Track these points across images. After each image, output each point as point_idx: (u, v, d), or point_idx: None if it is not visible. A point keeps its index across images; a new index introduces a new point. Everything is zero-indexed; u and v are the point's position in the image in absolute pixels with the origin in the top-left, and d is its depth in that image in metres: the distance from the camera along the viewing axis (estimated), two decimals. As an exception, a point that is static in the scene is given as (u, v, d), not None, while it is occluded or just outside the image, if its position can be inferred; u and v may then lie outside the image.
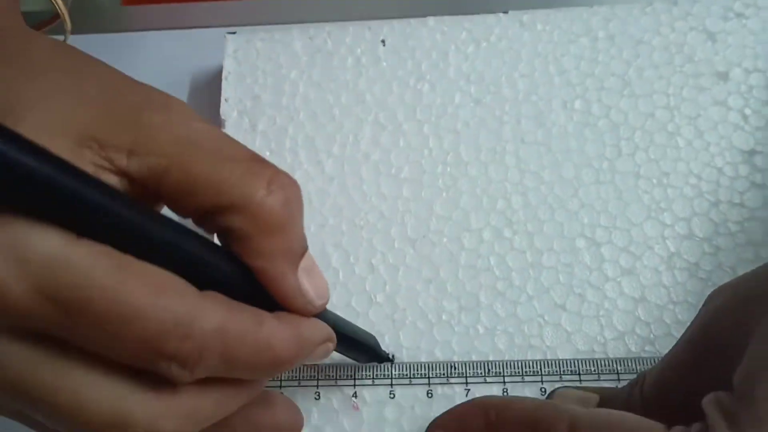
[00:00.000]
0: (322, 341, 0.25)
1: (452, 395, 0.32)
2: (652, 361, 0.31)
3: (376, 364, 0.32)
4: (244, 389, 0.23)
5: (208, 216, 0.22)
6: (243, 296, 0.22)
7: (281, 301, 0.23)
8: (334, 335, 0.26)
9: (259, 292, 0.22)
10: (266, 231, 0.22)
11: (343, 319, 0.29)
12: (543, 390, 0.31)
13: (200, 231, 0.22)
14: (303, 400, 0.32)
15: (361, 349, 0.31)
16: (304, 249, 0.23)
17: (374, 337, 0.32)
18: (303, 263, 0.23)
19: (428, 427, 0.29)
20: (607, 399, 0.29)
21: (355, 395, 0.32)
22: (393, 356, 0.33)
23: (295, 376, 0.32)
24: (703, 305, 0.26)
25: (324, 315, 0.25)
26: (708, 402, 0.22)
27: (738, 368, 0.22)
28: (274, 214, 0.22)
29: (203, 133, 0.22)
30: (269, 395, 0.27)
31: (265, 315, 0.22)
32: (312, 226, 0.36)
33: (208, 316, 0.20)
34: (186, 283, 0.20)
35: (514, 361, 0.32)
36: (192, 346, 0.20)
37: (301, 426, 0.29)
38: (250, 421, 0.26)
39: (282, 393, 0.31)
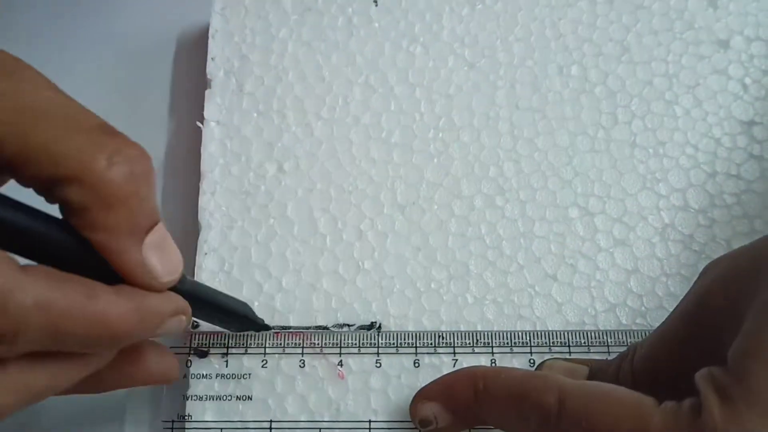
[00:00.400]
0: (172, 314, 0.24)
1: (439, 365, 0.31)
2: (643, 334, 0.31)
3: (364, 331, 0.32)
4: (84, 362, 0.23)
5: (48, 187, 0.21)
6: (84, 270, 0.21)
7: (123, 275, 0.22)
8: (187, 308, 0.25)
9: (102, 266, 0.22)
10: (105, 204, 0.21)
11: (209, 289, 0.28)
12: (532, 361, 0.31)
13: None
14: (288, 368, 0.31)
15: (230, 318, 0.30)
16: (152, 223, 0.23)
17: (247, 306, 0.31)
18: (150, 238, 0.23)
19: (415, 396, 0.29)
20: (597, 371, 0.28)
21: (340, 364, 0.31)
22: (269, 325, 0.32)
23: (280, 344, 0.31)
24: (698, 278, 0.25)
25: (181, 286, 0.25)
26: (701, 377, 0.22)
27: (733, 344, 0.21)
28: (114, 187, 0.21)
29: (51, 102, 0.22)
30: (140, 345, 0.26)
31: (100, 288, 0.22)
32: (299, 191, 0.35)
33: (28, 290, 0.20)
34: (4, 256, 0.20)
35: (503, 332, 0.32)
36: (8, 322, 0.19)
37: (175, 374, 0.29)
38: (120, 372, 0.26)
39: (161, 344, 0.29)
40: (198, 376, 0.31)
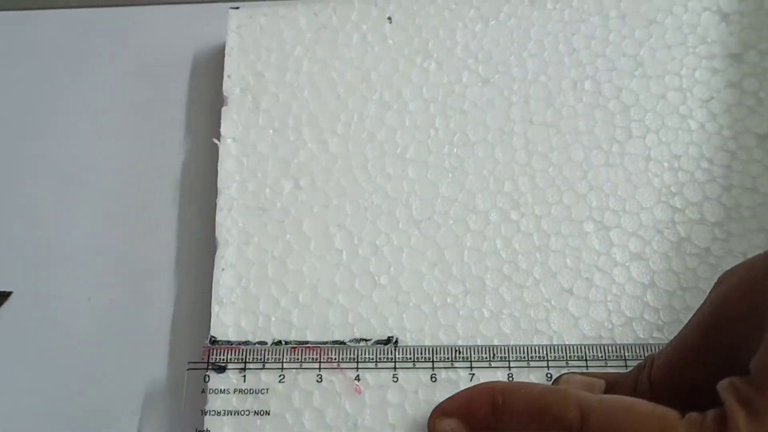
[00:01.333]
0: None
1: (456, 380, 0.31)
2: (661, 348, 0.31)
3: (380, 346, 0.32)
4: None
5: None
6: None
7: None
8: None
9: None
10: None
11: None
12: (549, 375, 0.31)
13: None
14: (305, 382, 0.31)
15: None
16: None
17: None
18: None
19: (432, 411, 0.29)
20: (614, 384, 0.28)
21: (357, 378, 0.31)
22: None
23: (297, 359, 0.32)
24: (714, 287, 0.25)
25: None
26: (724, 388, 0.21)
27: (755, 355, 0.21)
28: None
29: None
30: None
31: None
32: (315, 207, 0.35)
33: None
34: None
35: (519, 346, 0.32)
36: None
37: None
38: None
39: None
40: (216, 391, 0.31)
